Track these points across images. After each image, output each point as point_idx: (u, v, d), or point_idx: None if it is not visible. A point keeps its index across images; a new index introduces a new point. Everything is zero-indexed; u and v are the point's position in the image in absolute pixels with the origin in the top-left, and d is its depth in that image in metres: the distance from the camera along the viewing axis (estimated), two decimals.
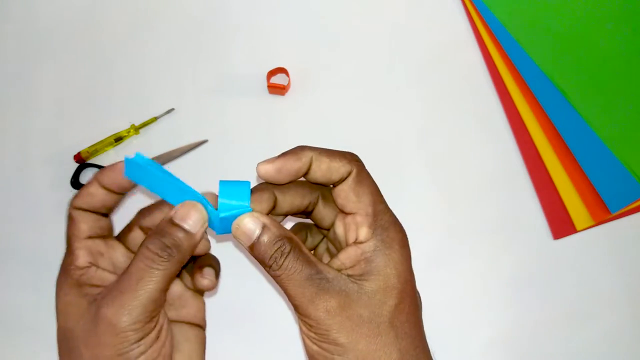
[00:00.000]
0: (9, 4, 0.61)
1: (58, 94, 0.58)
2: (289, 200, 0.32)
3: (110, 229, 0.33)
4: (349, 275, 0.29)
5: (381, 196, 0.31)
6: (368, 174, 0.31)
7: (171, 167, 0.55)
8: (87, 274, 0.30)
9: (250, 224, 0.29)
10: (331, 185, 0.32)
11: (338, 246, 0.33)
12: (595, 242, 0.52)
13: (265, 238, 0.29)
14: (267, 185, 0.31)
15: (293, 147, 0.31)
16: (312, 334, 0.29)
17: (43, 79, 0.58)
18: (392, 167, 0.54)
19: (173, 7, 0.60)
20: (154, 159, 0.54)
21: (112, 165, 0.31)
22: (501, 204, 0.53)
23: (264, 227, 0.29)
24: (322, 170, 0.30)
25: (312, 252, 0.36)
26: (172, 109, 0.56)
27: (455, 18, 0.59)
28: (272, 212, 0.32)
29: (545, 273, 0.51)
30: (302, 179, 0.32)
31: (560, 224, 0.52)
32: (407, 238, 0.31)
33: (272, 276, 0.29)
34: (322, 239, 0.36)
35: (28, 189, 0.55)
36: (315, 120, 0.56)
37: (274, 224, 0.30)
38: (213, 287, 0.34)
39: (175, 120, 0.56)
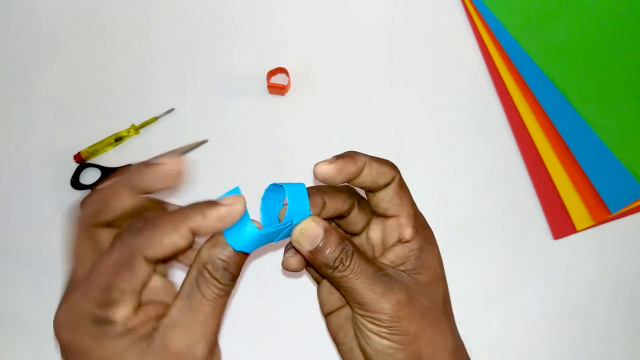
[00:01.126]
0: (10, 4, 0.61)
1: (58, 94, 0.58)
2: (334, 204, 0.33)
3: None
4: (402, 271, 0.32)
5: (413, 200, 0.34)
6: (404, 180, 0.34)
7: None
8: (132, 320, 0.27)
9: (315, 228, 0.30)
10: (369, 191, 0.33)
11: (368, 249, 0.35)
12: (595, 242, 0.52)
13: (330, 242, 0.30)
14: (317, 190, 0.32)
15: (345, 152, 0.32)
16: (381, 329, 0.30)
17: (43, 79, 0.58)
18: None
19: (173, 7, 0.60)
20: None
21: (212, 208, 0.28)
22: (501, 204, 0.53)
23: (326, 231, 0.30)
24: (373, 175, 0.32)
25: None
26: (172, 109, 0.56)
27: (455, 18, 0.59)
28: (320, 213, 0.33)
29: (545, 273, 0.51)
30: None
31: (560, 224, 0.52)
32: (434, 236, 0.34)
33: (336, 278, 0.30)
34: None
35: (28, 189, 0.55)
36: (315, 120, 0.56)
37: (334, 228, 0.31)
38: None
39: (175, 120, 0.56)
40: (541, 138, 0.54)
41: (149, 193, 0.30)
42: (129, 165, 0.32)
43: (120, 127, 0.55)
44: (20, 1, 0.61)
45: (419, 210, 0.34)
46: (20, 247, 0.53)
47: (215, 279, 0.27)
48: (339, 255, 0.30)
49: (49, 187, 0.54)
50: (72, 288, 0.28)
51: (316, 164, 0.30)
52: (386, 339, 0.30)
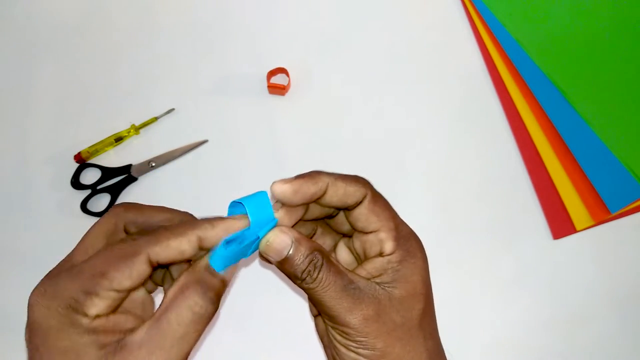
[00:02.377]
0: (10, 4, 0.61)
1: (58, 94, 0.58)
2: (319, 207, 0.32)
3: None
4: (377, 283, 0.30)
5: (395, 211, 0.33)
6: (379, 193, 0.32)
7: (171, 167, 0.55)
8: (99, 320, 0.26)
9: (280, 239, 0.29)
10: (344, 210, 0.33)
11: (356, 249, 0.34)
12: (595, 242, 0.52)
13: (298, 253, 0.29)
14: (321, 174, 0.31)
15: (307, 171, 0.31)
16: (349, 342, 0.29)
17: (43, 79, 0.58)
18: (391, 167, 0.54)
19: (173, 7, 0.60)
20: (153, 159, 0.54)
21: (230, 221, 0.29)
22: (501, 204, 0.53)
23: (295, 241, 0.29)
24: (339, 195, 0.31)
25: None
26: (172, 109, 0.56)
27: (455, 18, 0.59)
28: (304, 217, 0.32)
29: (545, 273, 0.51)
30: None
31: (560, 224, 0.52)
32: (422, 245, 0.32)
33: (305, 289, 0.30)
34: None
35: (28, 189, 0.55)
36: (315, 120, 0.56)
37: (304, 237, 0.30)
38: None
39: (175, 120, 0.56)
40: (541, 138, 0.54)
41: (204, 249, 0.29)
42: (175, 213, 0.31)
43: (120, 127, 0.55)
44: (20, 1, 0.61)
45: (402, 222, 0.32)
46: (20, 247, 0.53)
47: (196, 303, 0.27)
48: (307, 267, 0.29)
49: (49, 187, 0.54)
50: (64, 268, 0.28)
51: (273, 182, 0.29)
52: (353, 352, 0.29)
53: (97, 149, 0.55)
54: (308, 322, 0.50)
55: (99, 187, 0.54)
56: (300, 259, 0.29)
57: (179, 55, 0.59)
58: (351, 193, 0.31)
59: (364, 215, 0.31)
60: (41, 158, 0.56)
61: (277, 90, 0.56)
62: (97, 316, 0.26)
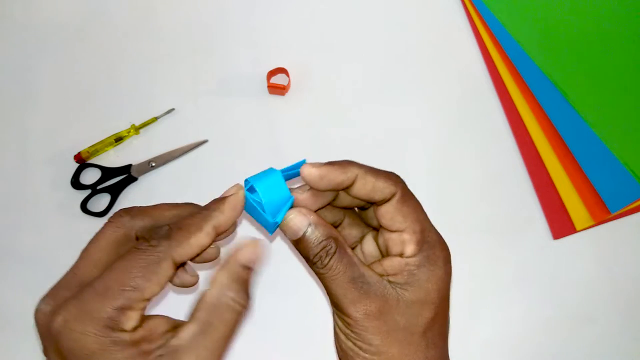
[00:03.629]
0: (10, 3, 0.61)
1: (58, 94, 0.58)
2: (349, 197, 0.32)
3: None
4: (390, 282, 0.30)
5: (425, 214, 0.32)
6: (412, 194, 0.32)
7: (171, 167, 0.55)
8: (137, 332, 0.26)
9: (298, 220, 0.30)
10: (372, 204, 0.33)
11: (380, 245, 0.34)
12: (595, 242, 0.52)
13: (312, 236, 0.30)
14: (352, 164, 0.31)
15: (341, 160, 0.31)
16: (349, 332, 0.30)
17: (43, 79, 0.58)
18: (391, 167, 0.54)
19: (173, 7, 0.60)
20: (153, 159, 0.54)
21: (228, 206, 0.29)
22: (501, 204, 0.53)
23: (311, 225, 0.30)
24: (367, 189, 0.31)
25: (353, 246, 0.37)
26: (172, 109, 0.56)
27: (455, 18, 0.59)
28: (333, 203, 0.33)
29: (545, 273, 0.51)
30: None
31: (560, 224, 0.52)
32: (450, 256, 0.32)
33: (315, 273, 0.30)
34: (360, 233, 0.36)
35: (28, 189, 0.55)
36: (316, 120, 0.56)
37: (322, 222, 0.30)
38: (196, 282, 0.33)
39: (175, 120, 0.56)
40: (541, 138, 0.54)
41: (223, 233, 0.30)
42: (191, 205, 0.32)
43: (120, 127, 0.55)
44: (20, 1, 0.61)
45: (431, 227, 0.32)
46: (20, 247, 0.53)
47: (236, 302, 0.28)
48: (319, 252, 0.29)
49: (49, 187, 0.54)
50: (72, 284, 0.27)
51: (303, 165, 0.30)
52: (351, 342, 0.30)
53: (97, 149, 0.55)
54: (308, 322, 0.50)
55: (99, 187, 0.54)
56: (315, 242, 0.29)
57: (179, 55, 0.59)
58: (379, 189, 0.31)
59: (390, 214, 0.31)
60: (41, 158, 0.56)
61: (277, 90, 0.56)
62: (135, 328, 0.26)
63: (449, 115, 0.56)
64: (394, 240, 0.32)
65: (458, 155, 0.55)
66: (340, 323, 0.30)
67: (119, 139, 0.55)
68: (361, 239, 0.35)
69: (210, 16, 0.60)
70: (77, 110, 0.57)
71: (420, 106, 0.56)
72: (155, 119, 0.56)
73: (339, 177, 0.30)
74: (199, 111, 0.57)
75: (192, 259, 0.29)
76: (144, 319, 0.27)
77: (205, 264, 0.33)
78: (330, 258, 0.29)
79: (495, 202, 0.53)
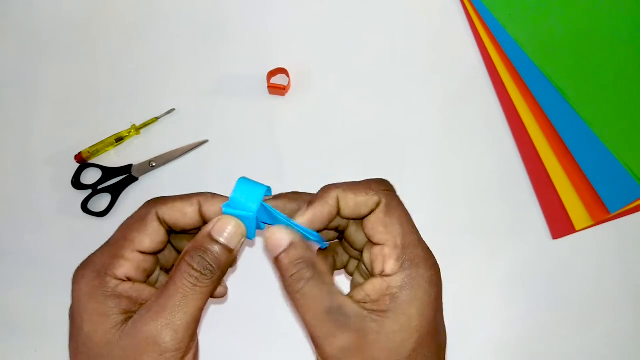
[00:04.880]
0: (10, 4, 0.61)
1: (59, 94, 0.58)
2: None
3: (164, 247, 0.32)
4: (371, 311, 0.28)
5: (413, 227, 0.30)
6: (399, 203, 0.30)
7: (172, 167, 0.55)
8: (123, 285, 0.29)
9: (279, 235, 0.29)
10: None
11: (365, 265, 0.32)
12: (595, 242, 0.52)
13: (289, 254, 0.28)
14: (330, 190, 0.30)
15: (319, 189, 0.30)
16: None
17: (44, 79, 0.58)
18: (391, 167, 0.54)
19: (173, 7, 0.60)
20: (154, 159, 0.55)
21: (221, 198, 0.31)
22: (500, 204, 0.53)
23: (291, 245, 0.28)
24: (350, 207, 0.30)
25: (344, 268, 0.36)
26: (173, 109, 0.56)
27: (455, 19, 0.59)
28: (338, 214, 0.31)
29: (545, 273, 0.52)
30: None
31: (560, 224, 0.52)
32: (439, 275, 0.29)
33: (291, 300, 0.28)
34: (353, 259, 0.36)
35: (29, 189, 0.55)
36: (315, 121, 0.56)
37: (303, 244, 0.29)
38: (226, 293, 0.34)
39: (175, 120, 0.56)
40: (540, 138, 0.54)
41: (206, 218, 0.31)
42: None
43: (121, 127, 0.56)
44: (20, 1, 0.61)
45: (416, 242, 0.29)
46: (20, 247, 0.53)
47: (192, 267, 0.28)
48: (293, 274, 0.28)
49: (49, 187, 0.55)
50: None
51: (295, 217, 0.30)
52: None
53: (97, 149, 0.55)
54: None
55: (99, 187, 0.54)
56: (291, 261, 0.28)
57: (179, 55, 0.59)
58: (362, 203, 0.29)
59: (372, 223, 0.30)
60: (42, 158, 0.56)
61: (277, 90, 0.56)
62: (126, 280, 0.29)
63: (448, 115, 0.56)
64: (376, 256, 0.30)
65: (457, 156, 0.55)
66: (318, 356, 0.28)
67: (119, 139, 0.55)
68: (356, 268, 0.34)
69: (211, 16, 0.60)
70: (77, 110, 0.57)
71: (419, 106, 0.57)
72: (156, 119, 0.56)
73: (324, 210, 0.29)
74: (199, 111, 0.57)
75: (182, 231, 0.31)
76: (136, 282, 0.29)
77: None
78: (305, 284, 0.27)
79: (494, 202, 0.53)
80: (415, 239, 0.29)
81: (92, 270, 0.28)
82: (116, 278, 0.28)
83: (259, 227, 0.31)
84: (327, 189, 0.30)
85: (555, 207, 0.53)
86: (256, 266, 0.51)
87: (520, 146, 0.55)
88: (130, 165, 0.54)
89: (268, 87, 0.56)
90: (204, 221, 0.31)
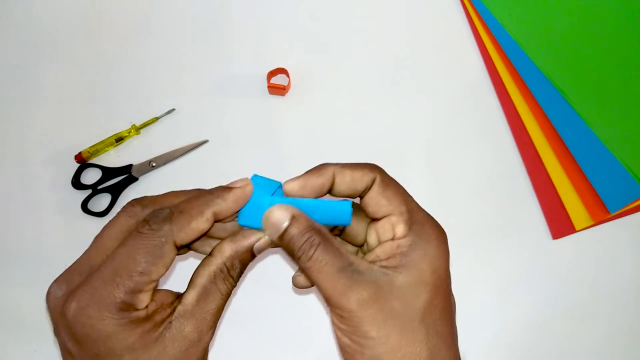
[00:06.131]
0: (10, 4, 0.61)
1: (59, 94, 0.58)
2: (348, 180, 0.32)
3: None
4: (383, 267, 0.29)
5: (411, 196, 0.32)
6: (393, 179, 0.32)
7: (172, 167, 0.55)
8: (149, 307, 0.28)
9: (279, 214, 0.29)
10: (358, 198, 0.32)
11: (370, 244, 0.33)
12: (595, 242, 0.52)
13: (294, 229, 0.29)
14: (327, 165, 0.32)
15: (315, 165, 0.32)
16: (344, 326, 0.29)
17: (44, 79, 0.58)
18: (391, 167, 0.54)
19: (173, 7, 0.60)
20: (154, 159, 0.55)
21: (232, 195, 0.30)
22: (500, 204, 0.53)
23: (293, 218, 0.29)
24: (346, 182, 0.31)
25: None
26: (173, 109, 0.56)
27: (455, 19, 0.59)
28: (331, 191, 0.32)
29: (545, 273, 0.52)
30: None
31: (559, 224, 0.52)
32: (445, 236, 0.31)
33: (302, 268, 0.29)
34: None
35: (29, 189, 0.55)
36: (315, 121, 0.56)
37: (303, 215, 0.30)
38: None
39: (175, 120, 0.56)
40: (540, 138, 0.54)
41: (222, 220, 0.31)
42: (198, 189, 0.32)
43: (121, 127, 0.56)
44: (20, 1, 0.61)
45: (418, 207, 0.31)
46: (20, 247, 0.53)
47: (232, 277, 0.30)
48: (302, 244, 0.29)
49: (49, 187, 0.55)
50: (84, 270, 0.29)
51: (285, 182, 0.31)
52: (347, 337, 0.29)
53: (97, 149, 0.55)
54: (306, 322, 0.50)
55: (99, 187, 0.54)
56: (297, 235, 0.29)
57: (179, 55, 0.59)
58: (358, 178, 0.31)
59: (374, 200, 0.31)
60: (42, 158, 0.56)
61: (277, 90, 0.56)
62: (147, 306, 0.28)
63: (448, 115, 0.56)
64: (384, 227, 0.31)
65: (457, 156, 0.55)
66: (335, 320, 0.29)
67: (119, 139, 0.55)
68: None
69: (211, 16, 0.60)
70: (77, 110, 0.57)
71: (419, 106, 0.57)
72: (156, 119, 0.56)
73: (318, 180, 0.31)
74: (199, 111, 0.57)
75: (190, 244, 0.31)
76: (154, 293, 0.29)
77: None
78: (315, 249, 0.28)
79: (494, 202, 0.53)
80: (416, 205, 0.31)
81: (110, 310, 0.27)
82: (139, 310, 0.28)
83: None
84: (323, 165, 0.31)
85: (555, 207, 0.53)
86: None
87: (521, 146, 0.55)
88: (130, 165, 0.54)
89: (268, 87, 0.56)
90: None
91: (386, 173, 0.32)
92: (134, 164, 0.55)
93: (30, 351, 0.50)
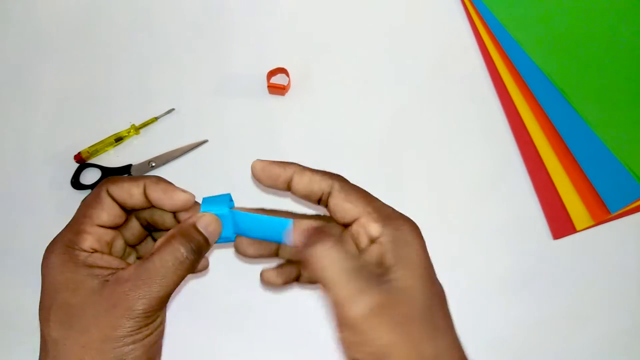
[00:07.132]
0: (10, 4, 0.61)
1: (58, 94, 0.58)
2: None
3: (122, 222, 0.34)
4: (380, 271, 0.29)
5: (373, 196, 0.32)
6: (353, 184, 0.33)
7: (171, 167, 0.55)
8: (93, 257, 0.31)
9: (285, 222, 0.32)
10: (317, 204, 0.33)
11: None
12: (595, 242, 0.52)
13: (295, 229, 0.31)
14: (292, 163, 0.34)
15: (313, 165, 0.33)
16: (352, 339, 0.28)
17: (43, 79, 0.58)
18: (392, 167, 0.54)
19: (173, 7, 0.60)
20: (153, 159, 0.55)
21: (170, 186, 0.34)
22: (501, 204, 0.53)
23: (295, 221, 0.32)
24: (304, 182, 0.32)
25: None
26: (173, 109, 0.56)
27: (456, 19, 0.59)
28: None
29: (545, 273, 0.51)
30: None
31: (560, 224, 0.52)
32: (417, 225, 0.31)
33: (307, 265, 0.29)
34: None
35: (28, 189, 0.55)
36: (315, 121, 0.56)
37: (305, 217, 0.34)
38: (207, 266, 0.36)
39: (175, 120, 0.56)
40: (541, 138, 0.54)
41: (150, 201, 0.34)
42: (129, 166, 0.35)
43: (120, 127, 0.56)
44: (20, 1, 0.61)
45: (383, 205, 0.32)
46: (20, 247, 0.53)
47: (178, 249, 0.31)
48: (307, 241, 0.30)
49: (49, 187, 0.55)
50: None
51: (255, 160, 0.33)
52: (355, 349, 0.28)
53: (97, 149, 0.55)
54: (308, 322, 0.50)
55: None
56: (299, 233, 0.31)
57: (179, 55, 0.59)
58: (316, 181, 0.32)
59: (339, 205, 0.32)
60: (41, 158, 0.56)
61: (277, 90, 0.56)
62: (93, 252, 0.31)
63: (449, 115, 0.56)
64: (357, 232, 0.31)
65: (458, 156, 0.55)
66: (344, 335, 0.28)
67: (119, 139, 0.55)
68: None
69: (211, 16, 0.60)
70: (77, 110, 0.57)
71: (419, 106, 0.56)
72: (155, 119, 0.56)
73: (277, 170, 0.33)
74: (199, 111, 0.57)
75: (132, 209, 0.34)
76: (104, 254, 0.32)
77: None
78: (322, 247, 0.29)
79: (495, 202, 0.53)
80: (382, 203, 0.32)
81: (60, 246, 0.31)
82: (83, 250, 0.31)
83: (229, 239, 0.35)
84: (290, 163, 0.33)
85: (555, 207, 0.53)
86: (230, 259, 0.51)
87: (521, 146, 0.55)
88: (130, 165, 0.54)
89: (268, 87, 0.56)
90: (150, 203, 0.34)
91: (347, 181, 0.33)
92: (133, 164, 0.55)
93: (31, 351, 0.50)
